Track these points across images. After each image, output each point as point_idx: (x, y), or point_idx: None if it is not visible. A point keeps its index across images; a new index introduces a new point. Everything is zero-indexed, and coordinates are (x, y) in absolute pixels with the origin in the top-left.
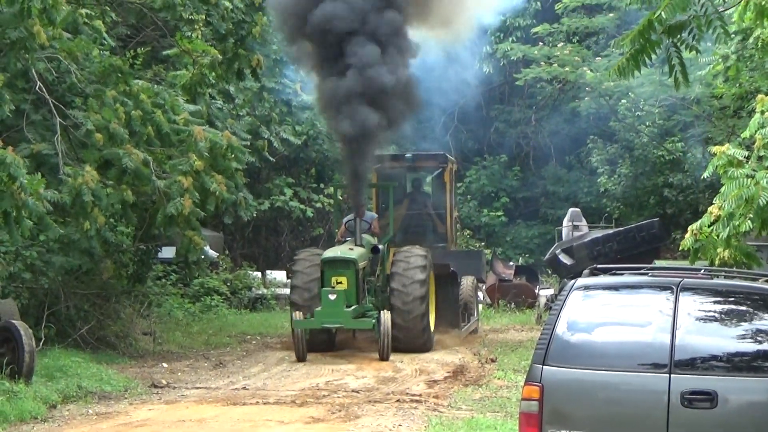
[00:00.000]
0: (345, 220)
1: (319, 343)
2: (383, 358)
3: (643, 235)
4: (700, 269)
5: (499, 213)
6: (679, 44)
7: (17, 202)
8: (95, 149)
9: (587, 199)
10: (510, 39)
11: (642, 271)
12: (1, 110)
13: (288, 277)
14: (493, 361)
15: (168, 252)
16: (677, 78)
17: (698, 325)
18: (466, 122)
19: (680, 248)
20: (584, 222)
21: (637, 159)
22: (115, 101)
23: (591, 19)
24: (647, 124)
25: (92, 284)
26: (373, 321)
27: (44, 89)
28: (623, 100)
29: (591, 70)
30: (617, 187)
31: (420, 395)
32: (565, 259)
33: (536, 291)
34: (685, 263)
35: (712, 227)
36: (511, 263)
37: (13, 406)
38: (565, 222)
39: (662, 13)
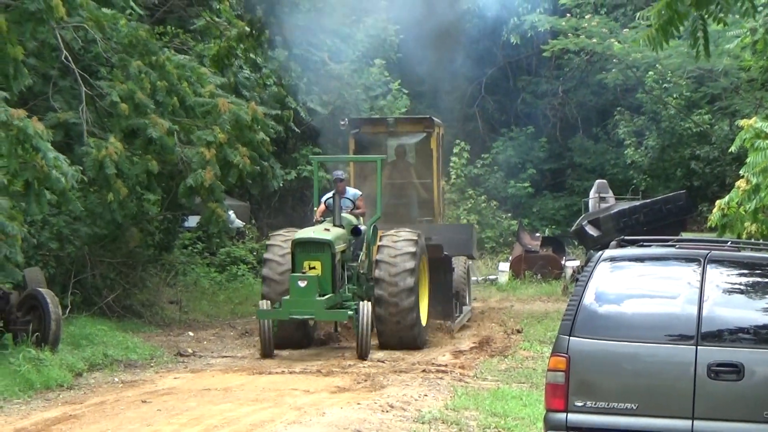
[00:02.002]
0: (324, 198)
1: (292, 337)
2: (361, 356)
3: (670, 207)
4: (727, 241)
5: (526, 184)
6: (706, 16)
7: (39, 174)
8: (121, 119)
9: (614, 171)
10: (537, 10)
11: (669, 243)
12: (17, 83)
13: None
14: (519, 332)
15: (194, 221)
16: (699, 50)
17: (725, 298)
18: (493, 93)
19: (708, 224)
20: (611, 194)
21: (664, 131)
22: (140, 71)
23: None
24: (674, 96)
25: (118, 252)
26: (351, 312)
27: (70, 58)
28: (650, 72)
29: (618, 42)
30: (644, 159)
31: (446, 365)
32: (592, 231)
33: (562, 262)
34: (712, 235)
35: (738, 201)
36: (538, 234)
37: (39, 373)
38: (592, 193)
39: None
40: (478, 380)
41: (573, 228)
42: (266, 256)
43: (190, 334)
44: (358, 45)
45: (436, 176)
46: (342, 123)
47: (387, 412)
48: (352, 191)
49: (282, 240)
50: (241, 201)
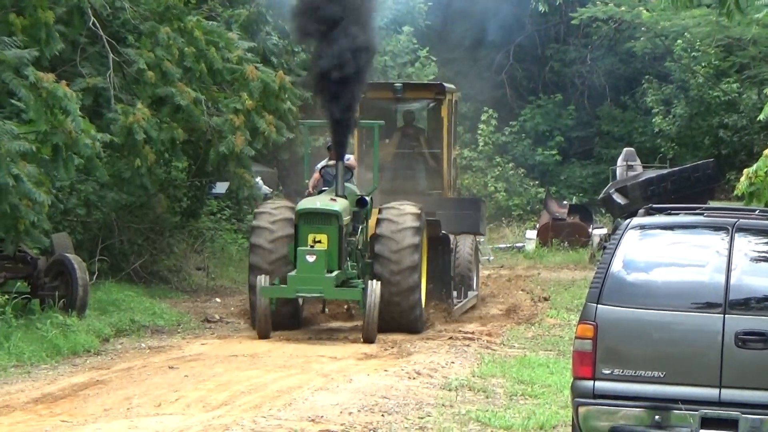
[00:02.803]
0: (319, 165)
1: (280, 317)
2: (368, 339)
3: (698, 176)
4: (755, 210)
5: (554, 152)
6: None
7: (67, 140)
8: (148, 86)
9: (642, 139)
10: None
11: (697, 212)
12: (50, 48)
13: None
14: (545, 299)
15: (221, 187)
16: (730, 8)
17: (753, 266)
18: (522, 61)
19: (735, 192)
20: (638, 162)
21: (692, 99)
22: (168, 38)
23: None
24: (703, 64)
25: (146, 219)
26: (360, 290)
27: (98, 25)
28: (679, 41)
29: (647, 10)
30: (672, 127)
31: (473, 333)
32: (619, 199)
33: (590, 230)
34: (739, 204)
35: (766, 169)
36: (565, 202)
37: (66, 339)
38: (620, 161)
39: None
40: (504, 348)
41: (600, 196)
42: (255, 223)
43: (217, 300)
44: (386, 12)
45: (447, 146)
46: None
47: (414, 378)
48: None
49: (273, 208)
50: (269, 167)
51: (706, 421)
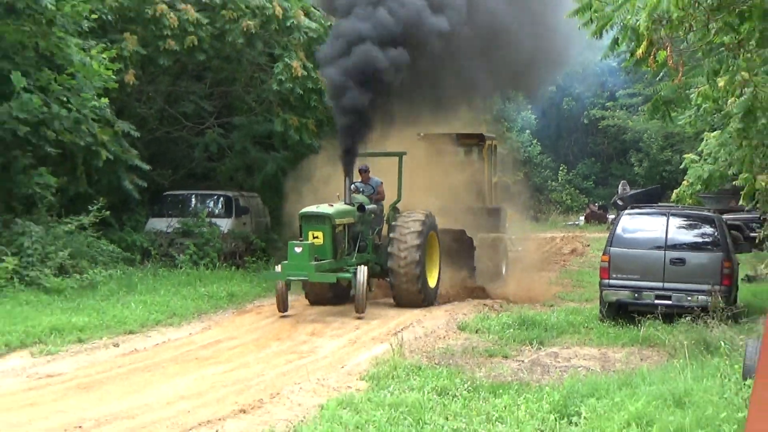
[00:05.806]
0: (352, 185)
1: (324, 295)
2: (358, 311)
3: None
4: (680, 206)
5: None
6: None
7: None
8: None
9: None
10: None
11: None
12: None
13: None
14: (587, 246)
15: None
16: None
17: (675, 230)
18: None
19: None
20: (629, 188)
21: None
22: None
23: None
24: None
25: None
26: (348, 275)
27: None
28: None
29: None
30: None
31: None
32: (621, 203)
33: (607, 216)
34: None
35: None
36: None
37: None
38: (620, 189)
39: None
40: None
41: (612, 201)
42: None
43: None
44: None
45: (488, 175)
46: (418, 135)
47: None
48: (375, 179)
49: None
50: None
51: (657, 296)
